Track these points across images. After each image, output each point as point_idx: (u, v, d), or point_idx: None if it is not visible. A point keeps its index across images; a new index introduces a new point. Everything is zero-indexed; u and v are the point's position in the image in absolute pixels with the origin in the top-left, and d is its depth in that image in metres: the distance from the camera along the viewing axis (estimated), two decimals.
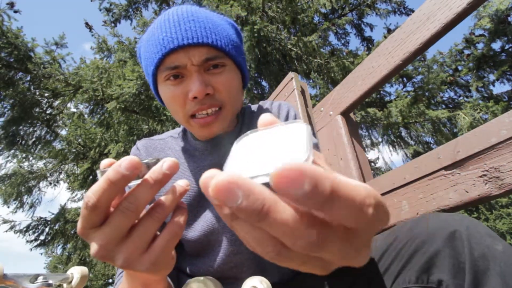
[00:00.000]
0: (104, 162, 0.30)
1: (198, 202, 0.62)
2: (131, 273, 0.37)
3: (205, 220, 0.60)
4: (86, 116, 5.18)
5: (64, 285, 0.57)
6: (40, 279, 0.52)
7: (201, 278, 0.34)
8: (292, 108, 0.74)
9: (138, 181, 0.29)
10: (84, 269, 0.60)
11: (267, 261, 0.62)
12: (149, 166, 0.29)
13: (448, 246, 0.39)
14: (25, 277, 0.51)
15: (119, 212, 0.28)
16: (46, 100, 4.95)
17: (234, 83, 0.59)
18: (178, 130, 0.76)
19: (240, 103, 0.64)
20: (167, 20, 0.55)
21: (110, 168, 0.27)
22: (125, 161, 0.26)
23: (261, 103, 0.77)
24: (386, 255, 0.45)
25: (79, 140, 4.80)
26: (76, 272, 0.59)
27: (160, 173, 0.28)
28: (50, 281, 0.53)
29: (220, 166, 0.63)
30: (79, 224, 0.28)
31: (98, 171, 0.29)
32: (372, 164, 5.77)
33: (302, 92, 1.36)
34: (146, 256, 0.29)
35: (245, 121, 0.71)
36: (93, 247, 0.28)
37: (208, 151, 0.66)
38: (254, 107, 0.76)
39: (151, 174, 0.28)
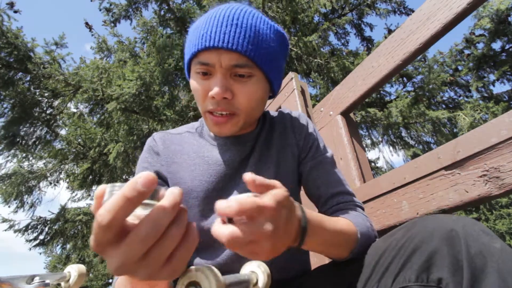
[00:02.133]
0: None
1: (213, 190, 0.65)
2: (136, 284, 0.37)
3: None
4: (86, 116, 5.18)
5: (62, 283, 0.57)
6: (37, 279, 0.52)
7: (200, 267, 0.34)
8: (310, 122, 0.77)
9: (149, 207, 0.29)
10: (82, 267, 0.59)
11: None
12: (160, 187, 0.30)
13: (446, 245, 0.39)
14: (21, 278, 0.51)
15: (140, 236, 0.27)
16: (46, 100, 4.95)
17: (256, 95, 0.61)
18: (195, 125, 0.78)
19: (259, 112, 0.66)
20: (213, 17, 0.57)
21: (126, 185, 0.27)
22: (142, 177, 0.27)
23: (282, 109, 0.80)
24: (386, 255, 0.46)
25: (79, 140, 4.81)
26: (73, 270, 0.58)
27: (174, 200, 0.29)
28: (47, 281, 0.53)
29: (237, 162, 0.68)
30: (93, 241, 0.28)
31: (107, 188, 0.29)
32: (372, 164, 5.76)
33: (302, 92, 1.36)
34: (167, 267, 0.30)
35: (265, 125, 0.75)
36: (112, 265, 0.28)
37: (227, 147, 0.69)
38: (273, 112, 0.80)
39: (168, 201, 0.29)
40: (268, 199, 0.37)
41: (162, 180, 0.70)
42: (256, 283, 0.47)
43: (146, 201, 0.29)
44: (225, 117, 0.60)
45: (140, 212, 0.29)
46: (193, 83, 0.62)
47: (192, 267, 0.35)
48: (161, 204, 0.29)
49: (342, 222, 0.54)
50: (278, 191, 0.39)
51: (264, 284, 0.47)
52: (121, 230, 0.28)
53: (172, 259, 0.30)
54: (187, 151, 0.71)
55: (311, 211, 0.47)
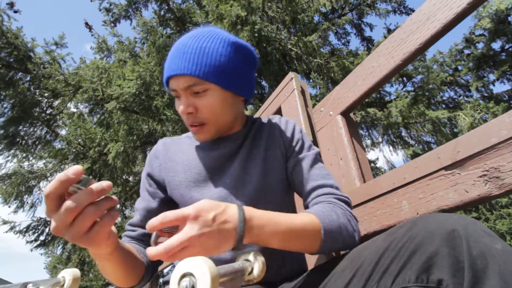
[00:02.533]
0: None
1: (203, 181, 0.76)
2: (92, 251, 0.51)
3: (210, 196, 0.73)
4: (86, 116, 5.17)
5: None
6: (30, 286, 0.51)
7: (193, 258, 0.34)
8: (297, 125, 0.85)
9: (83, 189, 0.42)
10: (76, 271, 0.58)
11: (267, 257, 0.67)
12: (92, 180, 0.43)
13: (447, 245, 0.39)
14: (13, 287, 0.50)
15: (64, 208, 0.41)
16: (46, 100, 4.95)
17: (216, 104, 0.70)
18: None
19: (228, 116, 0.75)
20: (171, 51, 0.71)
21: (62, 172, 0.41)
22: (72, 168, 0.41)
23: (270, 116, 0.89)
24: (386, 255, 0.45)
25: (79, 140, 4.80)
26: (68, 274, 0.58)
27: (99, 188, 0.43)
28: (41, 287, 0.52)
29: (225, 157, 0.78)
30: (46, 209, 0.42)
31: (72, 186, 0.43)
32: (372, 164, 5.77)
33: (302, 92, 1.36)
34: (86, 236, 0.44)
35: (254, 126, 0.84)
36: (52, 225, 0.42)
37: (217, 145, 0.80)
38: (264, 119, 0.89)
39: (94, 187, 0.42)
40: (188, 208, 0.47)
41: (154, 181, 0.80)
42: (251, 272, 0.47)
43: (80, 186, 0.42)
44: (197, 127, 0.72)
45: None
46: (175, 103, 0.75)
47: (186, 258, 0.35)
48: (85, 189, 0.42)
49: (303, 218, 0.58)
50: (200, 201, 0.49)
51: (259, 272, 0.47)
52: (58, 203, 0.42)
53: (91, 230, 0.44)
54: (183, 150, 0.83)
55: (258, 210, 0.54)
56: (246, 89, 0.76)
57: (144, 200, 0.79)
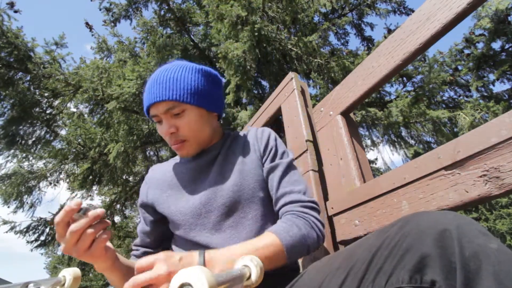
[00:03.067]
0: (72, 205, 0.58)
1: (187, 191, 0.84)
2: (97, 266, 0.65)
3: (193, 202, 0.80)
4: (86, 116, 5.18)
5: None
6: (31, 286, 0.52)
7: (191, 267, 0.34)
8: (272, 133, 0.91)
9: (83, 216, 0.57)
10: (76, 270, 0.59)
11: None
12: (89, 209, 0.58)
13: (439, 246, 0.38)
14: (14, 286, 0.50)
15: (69, 232, 0.56)
16: (46, 100, 4.95)
17: (194, 122, 0.80)
18: None
19: (207, 131, 0.85)
20: (148, 84, 0.81)
21: (66, 205, 0.57)
22: (73, 202, 0.56)
23: (249, 128, 0.97)
24: (379, 253, 0.45)
25: (79, 140, 4.80)
26: (68, 274, 0.58)
27: (95, 215, 0.58)
28: (42, 287, 0.52)
29: (204, 165, 0.86)
30: (56, 234, 0.58)
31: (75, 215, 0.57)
32: (372, 164, 5.77)
33: (302, 92, 1.36)
34: (88, 252, 0.59)
35: (229, 138, 0.92)
36: (61, 247, 0.58)
37: (197, 157, 0.89)
38: (243, 132, 0.97)
39: (90, 214, 0.58)
40: (158, 254, 0.55)
41: (146, 208, 0.91)
42: (250, 277, 0.47)
43: (81, 214, 0.57)
44: (179, 144, 0.81)
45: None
46: (157, 127, 0.84)
47: (184, 268, 0.35)
48: (84, 219, 0.57)
49: (265, 242, 0.63)
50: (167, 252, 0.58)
51: (257, 277, 0.47)
52: (66, 229, 0.57)
53: (91, 247, 0.59)
54: (169, 169, 0.92)
55: (219, 250, 0.60)
56: (217, 105, 0.87)
57: (142, 225, 0.92)
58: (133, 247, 0.92)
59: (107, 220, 0.60)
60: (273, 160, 0.84)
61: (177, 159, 0.97)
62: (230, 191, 0.78)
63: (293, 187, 0.78)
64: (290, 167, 0.83)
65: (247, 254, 0.56)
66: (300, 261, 0.98)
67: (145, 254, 0.88)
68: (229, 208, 0.76)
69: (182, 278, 0.34)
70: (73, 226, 0.56)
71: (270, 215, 0.80)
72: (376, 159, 5.95)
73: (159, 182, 0.89)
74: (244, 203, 0.77)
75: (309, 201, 0.76)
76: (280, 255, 0.63)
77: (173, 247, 0.85)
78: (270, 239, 0.64)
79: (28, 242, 5.42)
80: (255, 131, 0.92)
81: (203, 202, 0.78)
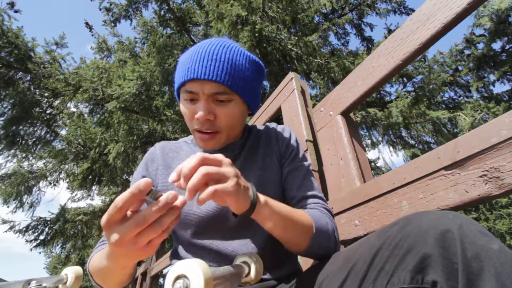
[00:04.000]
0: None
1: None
2: (116, 256, 0.48)
3: (207, 207, 0.73)
4: (86, 116, 5.18)
5: (60, 286, 0.57)
6: (33, 283, 0.52)
7: (188, 260, 0.34)
8: (293, 133, 0.87)
9: (151, 201, 0.43)
10: (78, 269, 0.59)
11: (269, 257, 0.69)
12: (159, 192, 0.43)
13: (441, 247, 0.38)
14: (17, 284, 0.51)
15: (134, 221, 0.42)
16: (46, 100, 4.95)
17: (235, 115, 0.72)
18: (191, 137, 0.89)
19: (239, 128, 0.78)
20: (197, 53, 0.69)
21: (132, 185, 0.42)
22: (142, 181, 0.42)
23: (267, 124, 0.90)
24: (380, 253, 0.45)
25: (79, 140, 4.81)
26: (70, 272, 0.59)
27: (164, 203, 0.42)
28: (44, 284, 0.53)
29: None
30: (104, 219, 0.43)
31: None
32: (372, 164, 5.77)
33: (302, 92, 1.36)
34: (146, 248, 0.44)
35: (251, 136, 0.85)
36: (113, 238, 0.42)
37: (215, 153, 0.75)
38: (260, 126, 0.90)
39: (159, 204, 0.42)
40: (221, 155, 0.50)
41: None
42: (248, 273, 0.47)
43: (148, 199, 0.42)
44: (209, 135, 0.71)
45: (142, 207, 0.44)
46: (182, 107, 0.73)
47: (181, 260, 0.35)
48: (156, 205, 0.42)
49: (300, 212, 0.62)
50: None
51: (256, 274, 0.47)
52: (125, 216, 0.43)
53: (151, 243, 0.44)
54: (181, 157, 0.82)
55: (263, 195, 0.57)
56: (257, 104, 0.80)
57: None
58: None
59: (178, 205, 0.44)
60: (294, 161, 0.80)
61: (189, 143, 0.87)
62: None
63: (316, 193, 0.76)
64: (310, 172, 0.81)
65: (284, 212, 0.57)
66: (301, 262, 0.98)
67: None
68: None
69: (178, 270, 0.34)
70: (142, 216, 0.42)
71: None
72: (378, 158, 5.95)
73: (171, 172, 0.79)
74: None
75: (330, 209, 0.75)
76: (308, 232, 0.61)
77: (179, 247, 0.77)
78: (304, 213, 0.63)
79: (27, 241, 5.42)
80: (275, 130, 0.87)
81: (219, 207, 0.72)
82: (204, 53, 0.69)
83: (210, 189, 0.45)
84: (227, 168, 0.49)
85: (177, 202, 0.43)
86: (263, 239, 0.70)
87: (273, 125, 0.89)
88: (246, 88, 0.72)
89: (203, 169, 0.45)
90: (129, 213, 0.44)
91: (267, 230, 0.58)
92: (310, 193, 0.75)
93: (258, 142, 0.84)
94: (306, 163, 0.81)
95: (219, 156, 0.50)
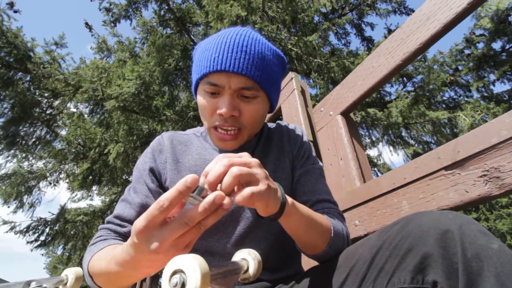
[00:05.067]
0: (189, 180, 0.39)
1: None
2: (146, 264, 0.42)
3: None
4: (86, 116, 5.18)
5: (60, 287, 0.57)
6: (33, 284, 0.52)
7: (185, 255, 0.34)
8: (304, 133, 0.84)
9: (197, 198, 0.39)
10: (79, 270, 0.59)
11: (271, 256, 0.68)
12: (205, 189, 0.40)
13: (441, 247, 0.38)
14: (16, 285, 0.51)
15: (179, 224, 0.38)
16: (46, 100, 4.95)
17: (259, 112, 0.67)
18: (201, 129, 0.84)
19: (260, 126, 0.73)
20: (223, 42, 0.63)
21: (179, 182, 0.38)
22: (189, 177, 0.38)
23: (278, 122, 0.86)
24: (380, 253, 0.45)
25: (79, 140, 4.81)
26: (71, 273, 0.59)
27: (211, 204, 0.38)
28: (45, 285, 0.52)
29: None
30: (141, 223, 0.39)
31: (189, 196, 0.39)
32: (372, 164, 5.76)
33: (302, 92, 1.36)
34: (183, 252, 0.40)
35: (263, 136, 0.80)
36: (153, 244, 0.38)
37: (228, 152, 0.74)
38: (271, 124, 0.86)
39: (206, 205, 0.38)
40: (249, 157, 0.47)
41: (156, 177, 0.73)
42: (247, 270, 0.47)
43: (195, 196, 0.39)
44: (230, 135, 0.66)
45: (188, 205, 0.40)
46: (201, 100, 0.67)
47: (178, 255, 0.35)
48: (203, 205, 0.38)
49: (320, 215, 0.60)
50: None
51: (255, 271, 0.47)
52: (165, 218, 0.39)
53: (190, 244, 0.41)
54: (191, 152, 0.76)
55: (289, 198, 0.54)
56: (277, 100, 0.76)
57: (142, 195, 0.70)
58: (116, 221, 0.66)
59: (224, 207, 0.40)
60: (306, 164, 0.77)
61: (198, 137, 0.81)
62: None
63: (329, 197, 0.73)
64: (322, 175, 0.78)
65: (307, 214, 0.56)
66: (302, 262, 0.98)
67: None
68: (257, 220, 0.69)
69: (175, 265, 0.34)
70: (191, 214, 0.38)
71: None
72: (378, 158, 5.95)
73: (180, 166, 0.73)
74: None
75: (342, 214, 0.72)
76: (326, 234, 0.59)
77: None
78: (323, 217, 0.61)
79: (28, 242, 5.42)
80: (287, 129, 0.82)
81: (231, 208, 0.68)
82: (232, 43, 0.63)
83: (247, 191, 0.42)
84: (257, 169, 0.45)
85: (225, 202, 0.40)
86: (267, 243, 0.69)
87: (284, 123, 0.85)
88: (272, 84, 0.68)
89: (235, 170, 0.42)
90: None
91: (289, 231, 0.56)
92: (324, 197, 0.72)
93: (270, 142, 0.79)
94: (318, 166, 0.78)
95: (246, 157, 0.46)
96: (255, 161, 0.46)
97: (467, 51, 4.36)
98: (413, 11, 5.82)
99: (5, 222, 5.38)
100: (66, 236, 5.55)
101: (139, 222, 0.39)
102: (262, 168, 0.46)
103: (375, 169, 5.72)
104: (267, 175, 0.47)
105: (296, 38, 4.34)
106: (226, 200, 0.40)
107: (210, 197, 0.39)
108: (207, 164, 0.70)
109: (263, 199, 0.44)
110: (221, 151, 0.75)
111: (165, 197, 0.38)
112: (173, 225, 0.38)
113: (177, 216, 0.39)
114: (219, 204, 0.39)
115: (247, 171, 0.43)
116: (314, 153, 0.81)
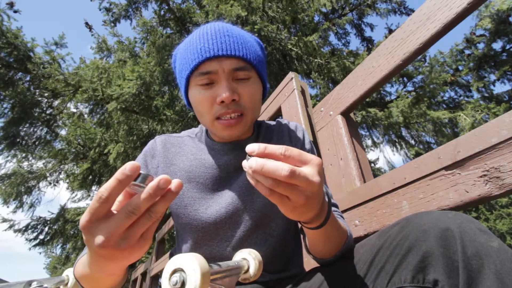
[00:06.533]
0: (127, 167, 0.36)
1: (209, 192, 0.70)
2: (102, 262, 0.39)
3: (217, 209, 0.68)
4: (86, 116, 5.18)
5: (61, 287, 0.57)
6: (34, 284, 0.52)
7: (185, 254, 0.34)
8: (305, 132, 0.82)
9: (142, 186, 0.36)
10: None
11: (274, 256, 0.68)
12: (149, 175, 0.37)
13: (441, 245, 0.38)
14: (18, 285, 0.50)
15: (124, 214, 0.35)
16: (46, 100, 4.95)
17: (256, 94, 0.66)
18: (195, 130, 0.82)
19: (259, 112, 0.71)
20: (205, 33, 0.63)
21: (118, 171, 0.35)
22: (129, 164, 0.35)
23: (278, 119, 0.85)
24: (381, 253, 0.45)
25: (79, 140, 4.81)
26: (71, 273, 0.59)
27: (155, 189, 0.35)
28: (45, 285, 0.52)
29: (233, 166, 0.71)
30: (85, 217, 0.36)
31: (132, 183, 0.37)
32: (372, 164, 5.76)
33: (302, 92, 1.36)
34: (138, 245, 0.37)
35: (262, 132, 0.79)
36: (98, 238, 0.35)
37: (225, 152, 0.73)
38: (271, 122, 0.84)
39: (149, 190, 0.35)
40: (312, 156, 0.42)
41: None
42: (248, 270, 0.47)
43: (139, 184, 0.36)
44: (234, 120, 0.63)
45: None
46: (196, 94, 0.64)
47: (178, 254, 0.35)
48: (146, 191, 0.35)
49: (341, 223, 0.59)
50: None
51: (255, 271, 0.47)
52: (109, 210, 0.36)
53: (144, 235, 0.38)
54: (186, 153, 0.75)
55: None
56: (266, 85, 0.75)
57: None
58: None
59: (173, 190, 0.37)
60: None
61: (193, 138, 0.80)
62: (262, 204, 0.68)
63: (333, 201, 0.72)
64: (324, 176, 0.76)
65: (334, 217, 0.54)
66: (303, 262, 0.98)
67: None
68: (256, 223, 0.67)
69: (175, 264, 0.34)
70: (135, 202, 0.35)
71: (291, 232, 0.74)
72: (378, 159, 5.95)
73: (174, 169, 0.72)
74: (272, 219, 0.69)
75: (343, 217, 0.72)
76: (343, 238, 0.57)
77: (181, 248, 0.73)
78: (342, 222, 0.61)
79: (27, 240, 5.42)
80: (287, 128, 0.80)
81: (230, 212, 0.67)
82: (214, 32, 0.63)
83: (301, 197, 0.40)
84: (315, 176, 0.40)
85: (172, 187, 0.37)
86: (268, 246, 0.68)
87: (285, 121, 0.83)
88: (261, 64, 0.68)
89: (295, 172, 0.38)
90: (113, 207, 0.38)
91: (314, 236, 0.53)
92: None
93: (270, 140, 0.77)
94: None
95: (305, 153, 0.41)
96: (316, 160, 0.41)
97: (467, 51, 4.37)
98: (413, 11, 5.82)
99: (4, 220, 5.38)
100: (65, 235, 5.56)
101: (83, 217, 0.36)
102: (319, 174, 0.41)
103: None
104: (322, 182, 0.42)
105: (296, 38, 4.34)
106: (174, 183, 0.37)
107: (154, 182, 0.36)
108: (202, 164, 0.72)
109: (312, 208, 0.42)
110: (221, 148, 0.73)
111: (104, 187, 0.35)
112: (118, 215, 0.35)
113: (122, 206, 0.36)
114: (165, 189, 0.36)
115: (304, 176, 0.39)
116: (315, 150, 0.80)
